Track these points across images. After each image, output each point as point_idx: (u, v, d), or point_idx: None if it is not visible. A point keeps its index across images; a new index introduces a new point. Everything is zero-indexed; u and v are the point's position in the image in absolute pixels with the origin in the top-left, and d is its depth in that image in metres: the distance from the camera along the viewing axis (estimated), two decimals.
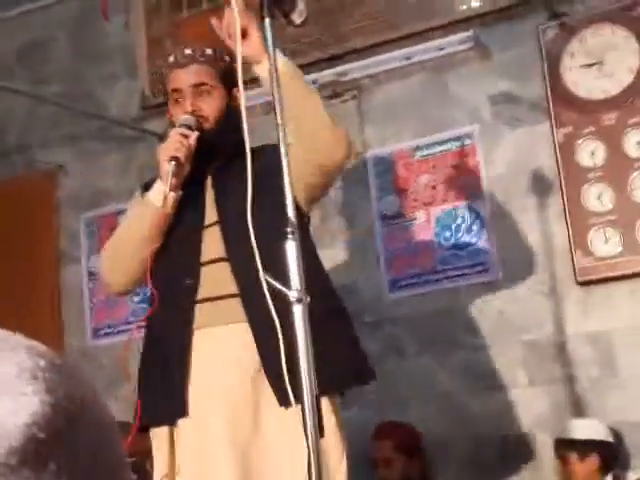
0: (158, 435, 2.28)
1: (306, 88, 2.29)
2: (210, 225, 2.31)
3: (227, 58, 2.38)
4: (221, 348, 2.21)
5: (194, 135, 2.28)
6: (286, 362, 1.97)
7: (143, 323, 2.44)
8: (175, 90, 2.37)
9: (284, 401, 2.12)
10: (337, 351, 2.21)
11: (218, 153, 2.36)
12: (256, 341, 2.17)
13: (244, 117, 1.89)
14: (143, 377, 2.35)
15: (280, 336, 1.91)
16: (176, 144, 2.24)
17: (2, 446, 0.47)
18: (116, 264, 2.38)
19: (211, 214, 2.32)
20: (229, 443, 2.14)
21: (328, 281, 2.38)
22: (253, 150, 2.18)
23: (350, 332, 2.36)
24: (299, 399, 2.05)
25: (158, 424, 2.28)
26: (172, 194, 2.27)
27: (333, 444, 2.17)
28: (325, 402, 2.06)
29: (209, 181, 2.38)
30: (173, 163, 2.22)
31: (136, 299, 4.23)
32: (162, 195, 2.25)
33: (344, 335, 2.32)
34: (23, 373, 0.50)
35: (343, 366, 2.24)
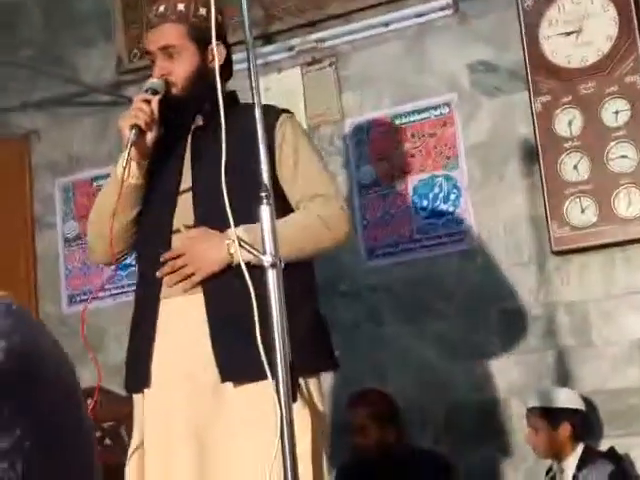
0: (136, 401, 2.26)
1: (296, 239, 2.17)
2: (185, 191, 2.25)
3: (202, 12, 2.27)
4: (180, 319, 2.16)
5: (156, 99, 2.20)
6: (238, 336, 1.94)
7: (99, 294, 2.40)
8: (147, 52, 2.32)
9: (225, 376, 2.09)
10: (301, 332, 2.09)
11: (194, 114, 2.28)
12: (207, 313, 2.13)
13: (218, 78, 1.85)
14: (128, 343, 2.33)
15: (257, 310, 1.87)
16: (136, 111, 2.17)
17: None
18: (96, 235, 2.32)
19: (187, 179, 2.27)
20: (187, 418, 2.10)
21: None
22: (238, 106, 2.11)
23: (315, 313, 2.28)
24: (242, 376, 2.03)
25: (130, 391, 2.27)
26: (134, 163, 2.20)
27: (297, 418, 2.07)
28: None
29: (189, 143, 2.31)
30: (133, 131, 2.15)
31: (112, 266, 4.20)
32: (123, 165, 2.17)
33: (310, 315, 2.24)
34: None
35: (306, 350, 2.11)
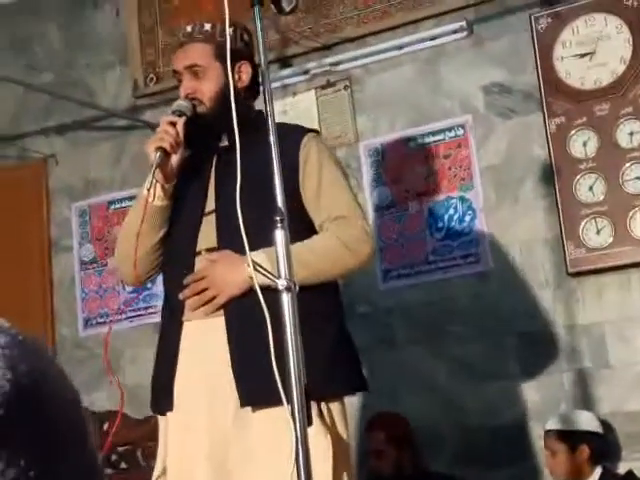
0: (161, 423, 2.27)
1: (315, 262, 2.17)
2: (210, 212, 2.25)
3: (229, 32, 2.24)
4: (202, 342, 2.16)
5: (181, 121, 2.20)
6: (258, 360, 1.93)
7: (119, 316, 2.39)
8: (175, 72, 2.32)
9: (244, 401, 2.08)
10: (323, 355, 2.13)
11: (221, 133, 2.27)
12: (228, 337, 2.13)
13: (233, 100, 1.86)
14: (154, 365, 2.33)
15: (269, 332, 1.86)
16: (161, 134, 2.18)
17: None
18: (122, 257, 2.32)
19: (212, 200, 2.26)
20: (208, 442, 2.09)
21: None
22: (266, 127, 2.12)
23: (340, 334, 2.26)
24: (261, 400, 2.02)
25: (155, 413, 2.28)
26: (159, 185, 2.21)
27: (317, 444, 2.04)
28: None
29: (214, 164, 2.30)
30: (158, 154, 2.15)
31: (128, 289, 4.22)
32: (147, 188, 2.18)
33: (332, 337, 2.23)
34: None
35: (328, 373, 2.14)
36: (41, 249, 4.45)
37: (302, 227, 2.19)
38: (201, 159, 2.30)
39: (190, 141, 2.25)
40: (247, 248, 1.85)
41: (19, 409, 0.48)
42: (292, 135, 2.26)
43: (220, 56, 2.23)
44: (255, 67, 2.33)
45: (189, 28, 2.31)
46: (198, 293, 2.17)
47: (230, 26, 2.25)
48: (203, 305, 2.16)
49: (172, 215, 2.29)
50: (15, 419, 0.48)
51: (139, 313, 4.16)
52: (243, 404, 2.08)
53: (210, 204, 2.26)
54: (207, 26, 2.30)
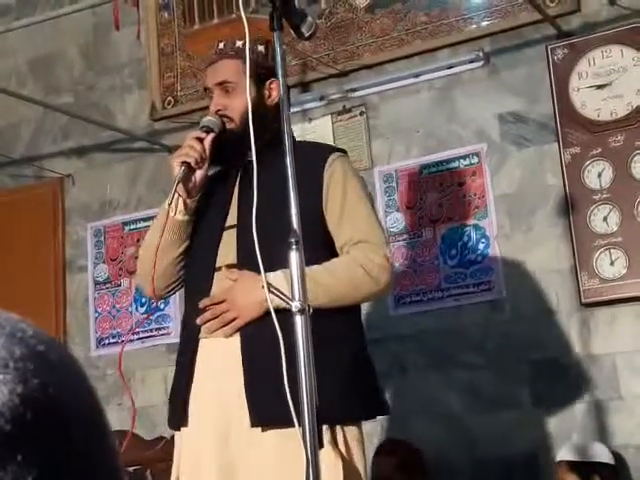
0: (176, 438, 2.27)
1: (337, 288, 2.18)
2: (231, 227, 2.24)
3: (261, 49, 2.29)
4: (217, 360, 2.16)
5: (209, 138, 2.22)
6: (271, 381, 1.91)
7: (131, 336, 2.40)
8: (206, 89, 2.34)
9: (254, 421, 2.07)
10: (338, 377, 2.13)
11: (247, 150, 2.22)
12: (242, 356, 2.12)
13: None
14: (172, 381, 2.33)
15: (282, 352, 1.86)
16: (186, 149, 2.19)
17: None
18: (144, 270, 2.32)
19: (234, 215, 2.26)
20: (219, 460, 2.09)
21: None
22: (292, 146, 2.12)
23: (356, 356, 2.26)
24: (272, 420, 2.01)
25: (171, 428, 2.28)
26: (181, 200, 2.22)
27: (328, 469, 2.01)
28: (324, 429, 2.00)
29: (238, 179, 2.31)
30: (182, 169, 2.17)
31: (141, 309, 4.24)
32: (169, 202, 2.19)
33: (349, 359, 2.22)
34: None
35: (343, 396, 2.14)
36: (56, 268, 4.47)
37: (324, 248, 2.19)
38: (225, 175, 2.31)
39: (217, 157, 2.25)
40: (262, 269, 1.85)
41: (29, 425, 0.47)
42: (318, 154, 2.26)
43: (251, 73, 2.18)
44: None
45: (222, 45, 2.32)
46: (218, 316, 2.17)
47: (262, 43, 2.28)
48: (222, 327, 2.16)
49: (194, 230, 2.30)
50: (24, 435, 0.46)
51: (151, 334, 4.17)
52: (253, 424, 2.07)
53: (231, 219, 2.25)
54: (239, 43, 2.27)
